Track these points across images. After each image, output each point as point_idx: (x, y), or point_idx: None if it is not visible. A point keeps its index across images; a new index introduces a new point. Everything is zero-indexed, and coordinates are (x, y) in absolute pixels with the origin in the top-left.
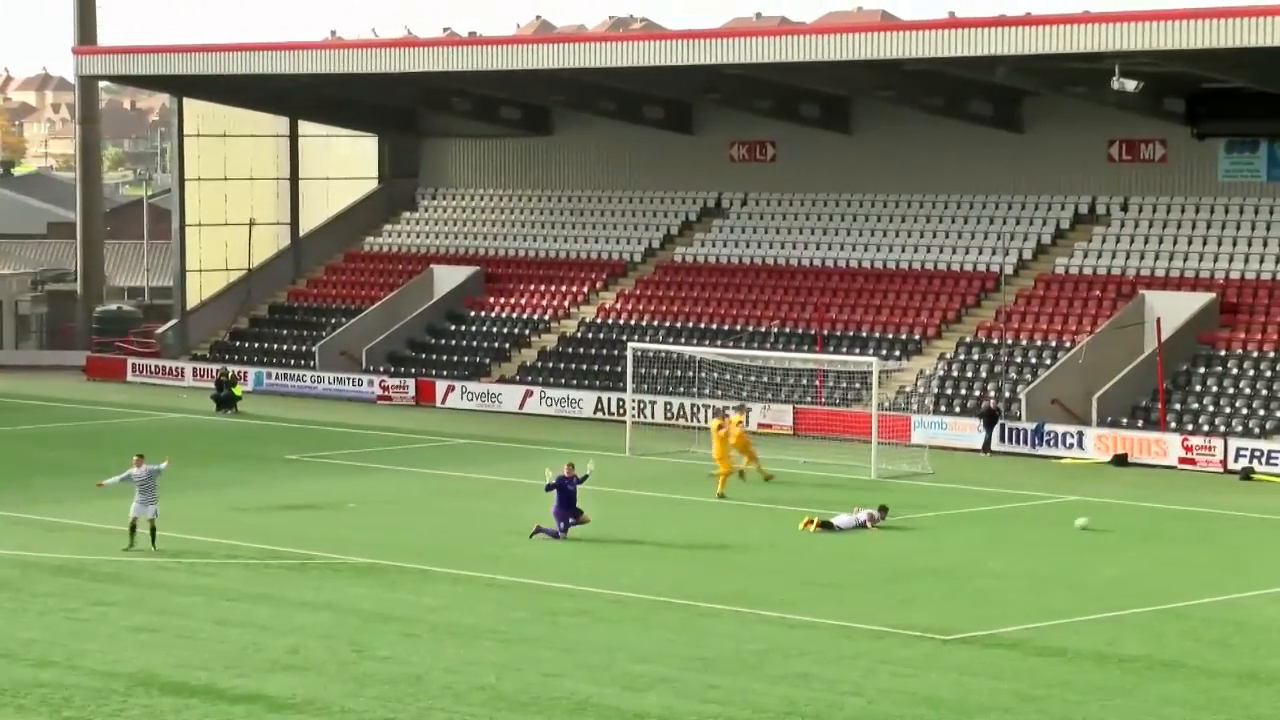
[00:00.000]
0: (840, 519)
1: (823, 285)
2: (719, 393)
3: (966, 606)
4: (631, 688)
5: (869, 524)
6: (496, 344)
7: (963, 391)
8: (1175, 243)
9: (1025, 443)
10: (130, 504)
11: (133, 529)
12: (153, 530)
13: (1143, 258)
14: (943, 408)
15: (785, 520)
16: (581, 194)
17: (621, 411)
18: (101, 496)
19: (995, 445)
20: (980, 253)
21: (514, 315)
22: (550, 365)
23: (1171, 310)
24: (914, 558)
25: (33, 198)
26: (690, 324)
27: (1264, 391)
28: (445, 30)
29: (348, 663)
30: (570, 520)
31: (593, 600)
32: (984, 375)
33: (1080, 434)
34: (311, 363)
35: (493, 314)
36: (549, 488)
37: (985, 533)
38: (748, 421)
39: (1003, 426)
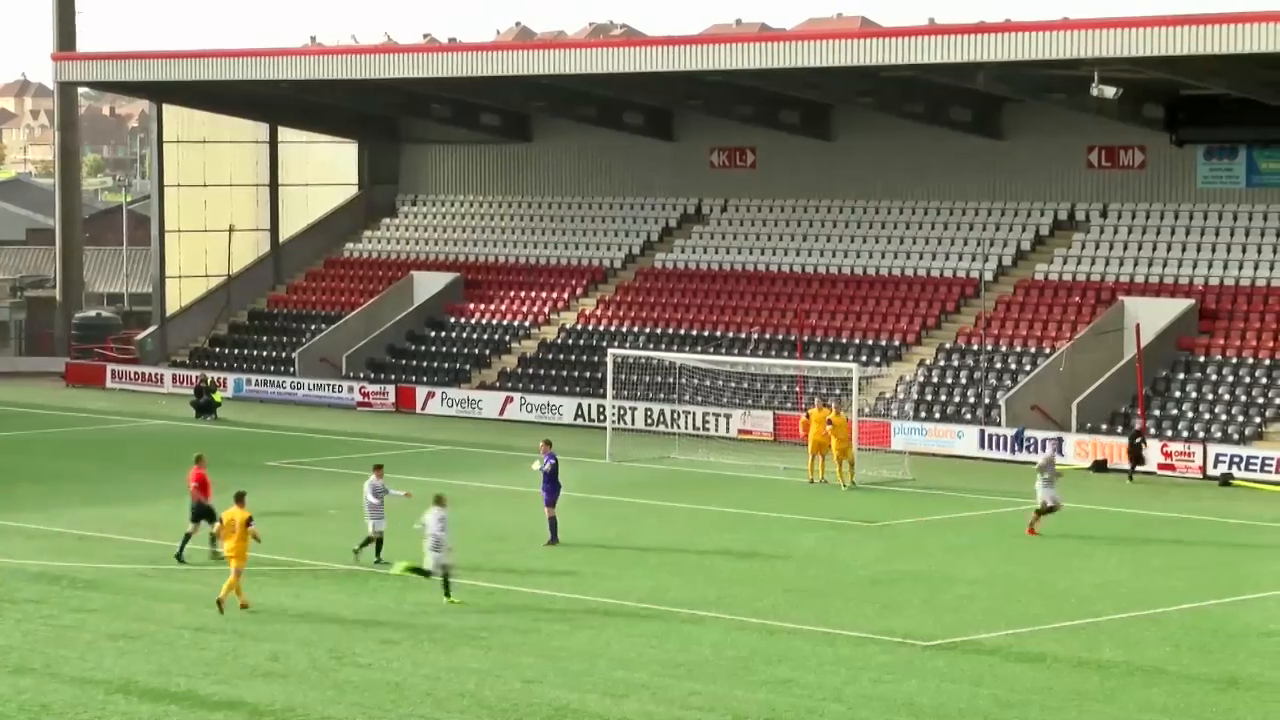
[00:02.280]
0: (1046, 495)
1: (803, 291)
2: (699, 399)
3: (946, 613)
4: (612, 694)
5: (1051, 473)
6: (477, 350)
7: (942, 398)
8: (1155, 249)
9: (1005, 449)
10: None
11: (366, 542)
12: (378, 543)
13: (1122, 264)
14: (923, 414)
15: (766, 527)
16: (562, 200)
17: (602, 418)
18: (83, 504)
19: (978, 451)
20: (960, 259)
21: (494, 321)
22: (530, 371)
23: (1151, 316)
24: (894, 564)
25: (11, 204)
26: (670, 330)
27: (1243, 397)
28: (425, 36)
29: (328, 670)
30: (550, 510)
31: (574, 607)
32: (964, 381)
33: (1060, 440)
34: (291, 369)
35: (473, 320)
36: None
37: (965, 539)
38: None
39: (982, 432)
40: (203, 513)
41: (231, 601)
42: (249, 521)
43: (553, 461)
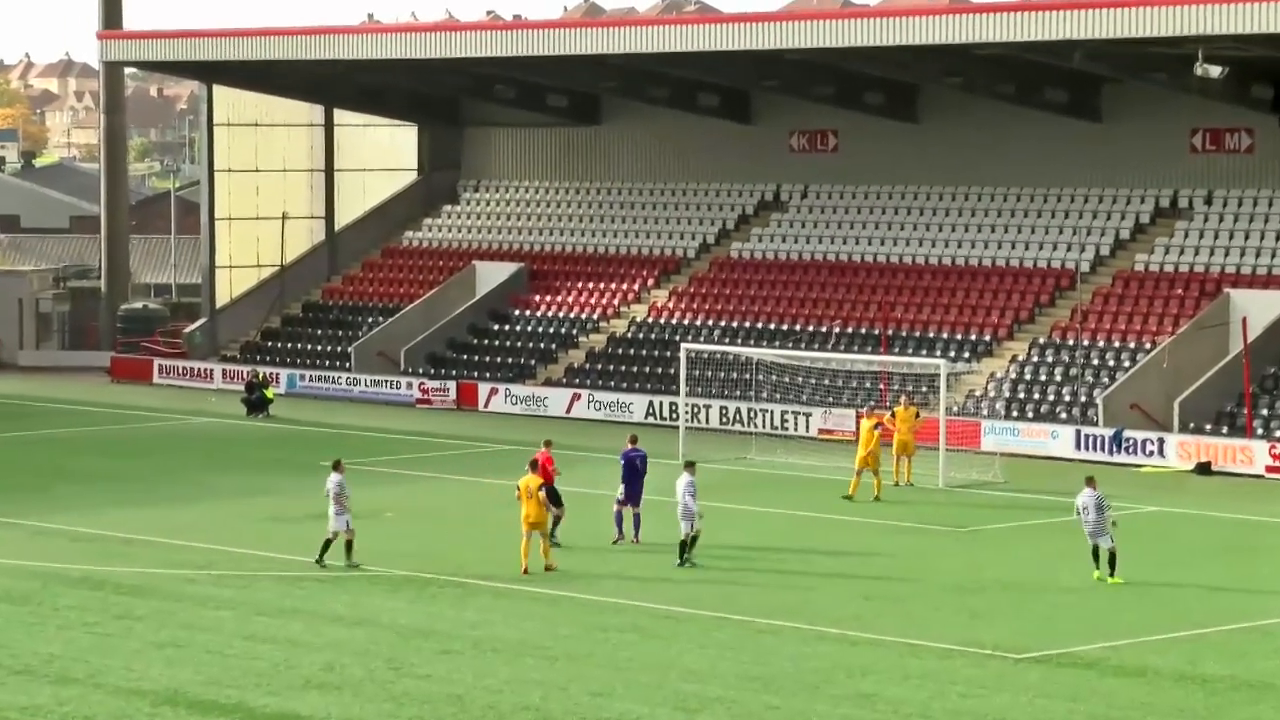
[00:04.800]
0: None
1: (888, 283)
2: (777, 396)
3: (1039, 623)
4: (685, 708)
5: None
6: (542, 344)
7: (1036, 395)
8: (1262, 238)
9: (1103, 449)
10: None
11: (684, 546)
12: (689, 543)
13: (1228, 254)
14: (1015, 413)
15: (847, 532)
16: (632, 186)
17: (674, 416)
18: (129, 506)
19: (1074, 453)
20: (1055, 249)
21: (561, 314)
22: (599, 367)
23: (1258, 309)
24: (984, 571)
25: (55, 190)
26: (747, 324)
27: None
28: (488, 14)
29: (385, 681)
30: (634, 506)
31: (644, 615)
32: (1059, 378)
33: (1161, 440)
34: (347, 364)
35: (538, 313)
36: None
37: (1059, 545)
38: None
39: (1078, 433)
40: (553, 496)
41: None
42: (541, 487)
43: (625, 460)
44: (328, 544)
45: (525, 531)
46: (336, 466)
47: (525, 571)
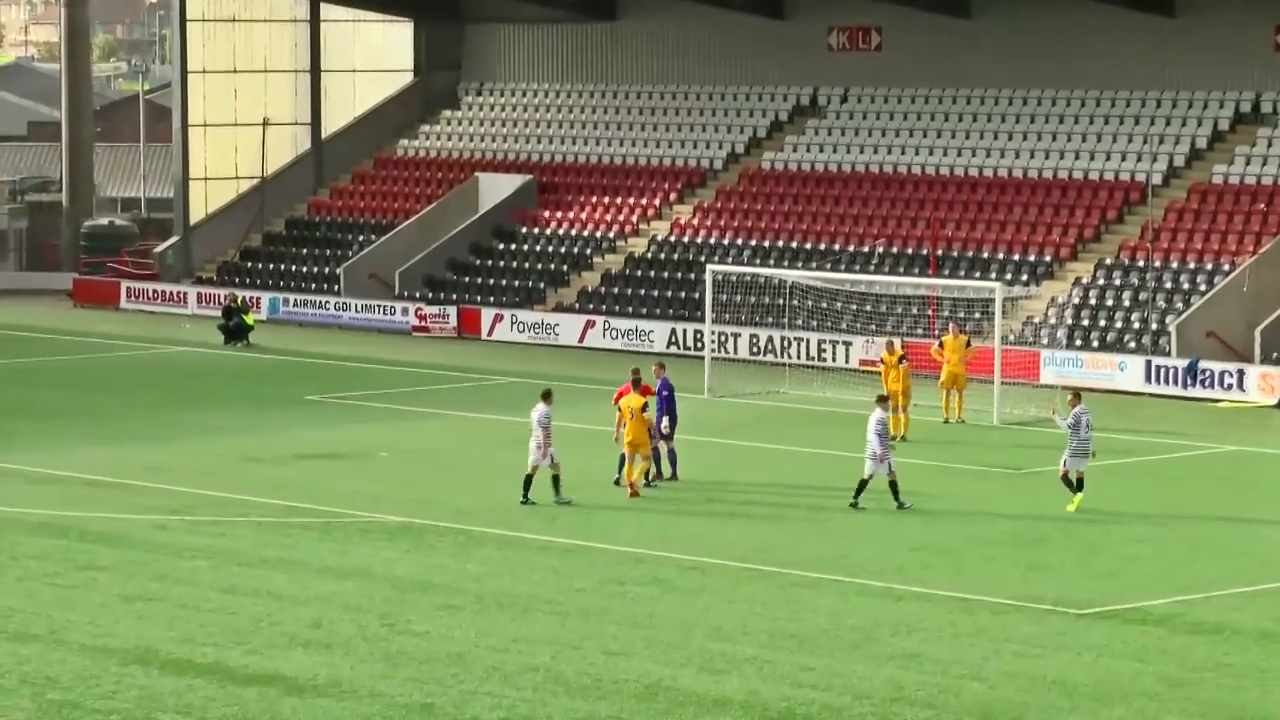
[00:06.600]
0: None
1: (937, 197)
2: (813, 324)
3: (1105, 575)
4: (710, 669)
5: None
6: (553, 266)
7: (1101, 323)
8: None
9: (1176, 383)
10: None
11: (867, 487)
12: (892, 485)
13: None
14: (1078, 341)
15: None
16: (652, 90)
17: (700, 345)
18: (94, 444)
19: (1144, 386)
20: (1124, 159)
21: (573, 232)
22: (616, 291)
23: None
24: (1044, 518)
25: (11, 93)
26: (780, 243)
27: None
28: None
29: (378, 639)
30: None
31: (666, 567)
32: (1127, 304)
33: (1241, 373)
34: (336, 287)
35: (548, 231)
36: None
37: (1128, 489)
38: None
39: (1149, 364)
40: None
41: None
42: (644, 408)
43: (668, 391)
44: (529, 480)
45: (628, 454)
46: (546, 397)
47: (634, 494)
